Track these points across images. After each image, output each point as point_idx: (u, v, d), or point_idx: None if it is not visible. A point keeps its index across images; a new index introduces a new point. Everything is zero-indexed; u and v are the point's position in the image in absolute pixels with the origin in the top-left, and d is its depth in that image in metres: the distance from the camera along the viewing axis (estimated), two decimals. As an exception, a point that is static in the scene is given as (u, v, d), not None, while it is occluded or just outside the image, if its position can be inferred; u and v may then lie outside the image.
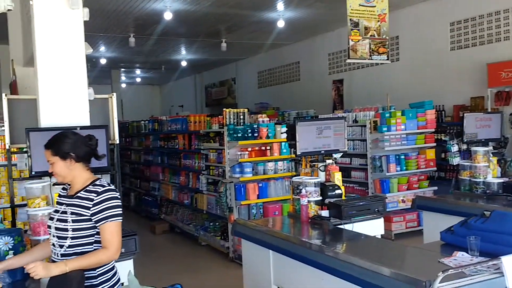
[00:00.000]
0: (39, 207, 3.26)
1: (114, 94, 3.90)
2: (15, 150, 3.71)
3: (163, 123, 9.13)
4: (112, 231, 2.42)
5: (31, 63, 6.15)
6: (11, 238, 2.76)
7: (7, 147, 3.53)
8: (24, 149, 3.55)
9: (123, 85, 18.21)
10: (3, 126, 4.91)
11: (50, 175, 3.40)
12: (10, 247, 2.74)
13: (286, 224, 3.95)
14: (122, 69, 17.33)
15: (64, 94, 3.47)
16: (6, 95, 3.54)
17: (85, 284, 2.36)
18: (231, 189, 6.28)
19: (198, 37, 11.65)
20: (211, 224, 7.32)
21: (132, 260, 3.24)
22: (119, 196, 2.52)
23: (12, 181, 3.63)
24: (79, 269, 2.35)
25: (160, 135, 9.21)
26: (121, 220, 2.47)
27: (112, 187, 2.52)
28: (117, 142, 3.85)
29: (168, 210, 9.06)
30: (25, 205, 3.64)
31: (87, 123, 3.52)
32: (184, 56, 14.51)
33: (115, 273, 2.56)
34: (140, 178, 10.53)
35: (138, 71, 18.06)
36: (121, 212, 2.48)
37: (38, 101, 3.48)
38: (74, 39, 3.48)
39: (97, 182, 2.51)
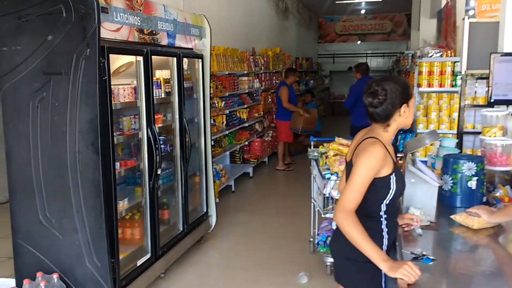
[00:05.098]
0: (494, 136, 3.11)
1: None
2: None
3: None
4: None
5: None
6: (474, 164, 2.72)
7: (462, 72, 3.47)
8: (482, 75, 3.43)
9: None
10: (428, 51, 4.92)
11: (508, 103, 3.18)
12: (473, 173, 2.71)
13: None
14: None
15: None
16: (468, 18, 3.44)
17: None
18: None
19: None
20: None
21: None
22: None
23: (463, 108, 3.61)
24: None
25: None
26: None
27: None
28: None
29: None
30: (471, 132, 3.58)
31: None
32: None
33: None
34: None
35: None
36: None
37: (503, 23, 3.20)
38: None
39: None
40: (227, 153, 7.52)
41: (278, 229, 5.47)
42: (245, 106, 7.89)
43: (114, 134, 3.31)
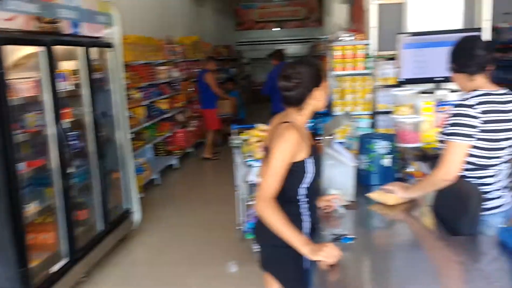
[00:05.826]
0: (405, 115, 3.24)
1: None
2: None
3: (501, 31, 7.96)
4: (447, 149, 2.23)
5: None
6: (387, 143, 2.81)
7: (375, 53, 3.57)
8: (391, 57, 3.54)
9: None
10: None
11: (416, 82, 3.31)
12: (387, 151, 2.80)
13: None
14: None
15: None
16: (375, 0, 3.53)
17: None
18: None
19: None
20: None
21: None
22: (469, 114, 2.19)
23: (375, 89, 3.72)
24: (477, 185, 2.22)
25: (497, 45, 8.10)
26: (460, 141, 2.18)
27: (469, 102, 2.21)
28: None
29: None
30: (384, 112, 3.71)
31: (460, 26, 3.20)
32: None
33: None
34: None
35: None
36: (463, 132, 2.18)
37: (406, 4, 3.32)
38: None
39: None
40: (149, 146, 7.27)
41: (206, 219, 5.39)
42: (165, 96, 7.66)
43: (16, 132, 3.03)
